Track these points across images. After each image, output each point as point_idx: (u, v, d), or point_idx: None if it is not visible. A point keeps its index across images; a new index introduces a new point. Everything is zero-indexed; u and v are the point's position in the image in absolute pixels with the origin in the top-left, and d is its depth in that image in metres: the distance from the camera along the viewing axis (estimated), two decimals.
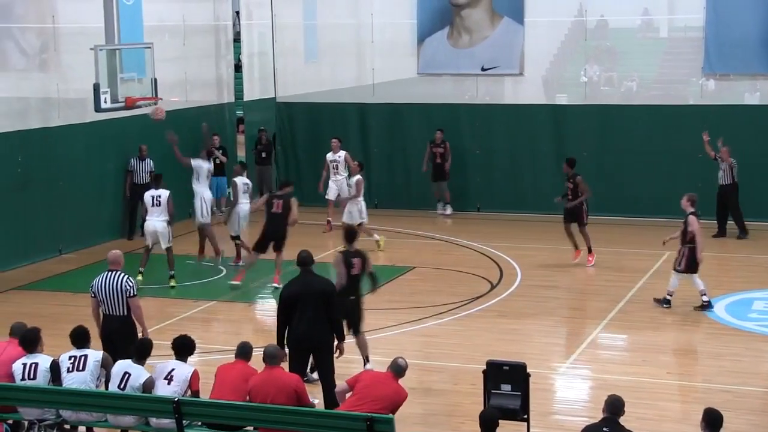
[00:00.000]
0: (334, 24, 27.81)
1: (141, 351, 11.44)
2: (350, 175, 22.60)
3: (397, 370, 11.21)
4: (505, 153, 25.62)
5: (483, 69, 26.05)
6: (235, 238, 20.36)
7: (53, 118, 21.58)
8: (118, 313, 12.64)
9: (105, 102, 19.25)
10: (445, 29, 26.20)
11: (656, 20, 26.73)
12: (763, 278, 19.26)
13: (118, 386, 11.15)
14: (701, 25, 24.32)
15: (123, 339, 12.38)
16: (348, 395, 11.19)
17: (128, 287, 12.60)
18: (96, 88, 19.00)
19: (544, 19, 25.73)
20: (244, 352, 11.48)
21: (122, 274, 12.70)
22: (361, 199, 21.59)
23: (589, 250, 20.52)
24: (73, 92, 21.73)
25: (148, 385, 11.16)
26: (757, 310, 17.42)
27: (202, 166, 20.54)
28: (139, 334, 12.62)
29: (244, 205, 20.31)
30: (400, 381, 11.17)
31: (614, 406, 9.86)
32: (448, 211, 25.45)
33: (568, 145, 25.03)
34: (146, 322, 13.00)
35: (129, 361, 11.33)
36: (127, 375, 11.18)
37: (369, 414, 10.47)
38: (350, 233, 14.52)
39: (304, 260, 12.74)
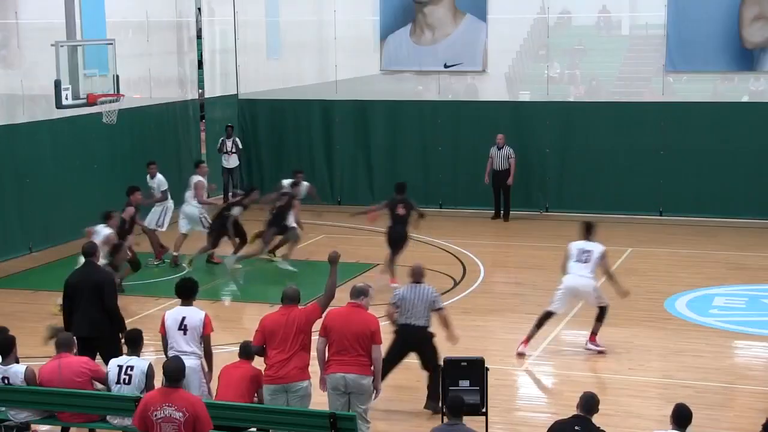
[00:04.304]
0: (297, 21, 27.78)
1: (134, 342, 11.40)
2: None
3: (247, 352, 11.34)
4: (467, 150, 25.66)
5: (446, 66, 26.12)
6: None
7: (18, 115, 21.45)
8: (420, 324, 12.93)
9: (66, 98, 19.09)
10: (408, 26, 26.24)
11: (618, 18, 26.89)
12: (723, 274, 19.43)
13: (117, 381, 11.12)
14: (663, 23, 24.50)
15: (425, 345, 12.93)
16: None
17: (435, 298, 13.02)
18: (57, 84, 18.85)
19: (506, 16, 25.81)
20: (247, 351, 11.47)
21: (429, 288, 13.11)
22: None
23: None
24: (38, 88, 21.56)
25: (151, 373, 11.18)
26: (718, 306, 17.57)
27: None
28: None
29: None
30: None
31: (589, 405, 9.80)
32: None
33: (530, 142, 25.15)
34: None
35: (125, 357, 11.33)
36: (129, 368, 11.16)
37: (332, 411, 10.61)
38: None
39: (85, 252, 13.18)
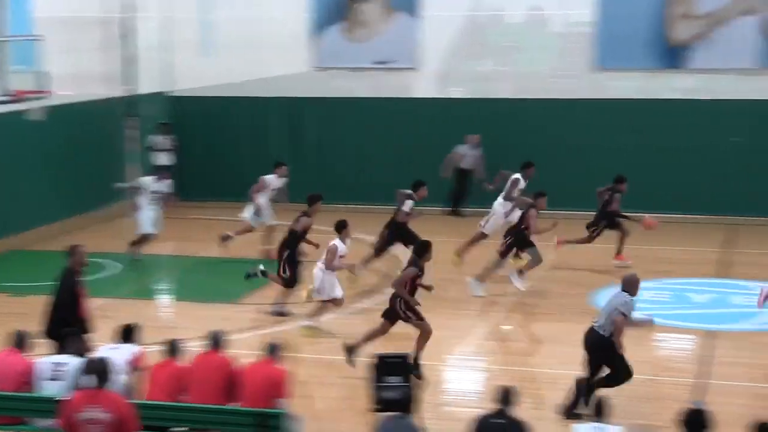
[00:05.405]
0: (230, 17, 27.63)
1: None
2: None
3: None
4: (403, 147, 25.73)
5: (379, 63, 26.18)
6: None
7: None
8: (597, 326, 12.73)
9: None
10: (341, 23, 26.26)
11: (549, 15, 27.06)
12: (647, 268, 19.56)
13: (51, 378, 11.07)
14: (592, 21, 24.73)
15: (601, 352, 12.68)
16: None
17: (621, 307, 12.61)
18: None
19: (439, 14, 25.91)
20: (174, 349, 11.49)
21: (624, 296, 12.71)
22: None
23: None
24: None
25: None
26: (643, 300, 17.71)
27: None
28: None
29: None
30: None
31: (506, 397, 9.99)
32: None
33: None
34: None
35: (61, 355, 11.35)
36: (63, 364, 11.14)
37: (258, 410, 10.61)
38: None
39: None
